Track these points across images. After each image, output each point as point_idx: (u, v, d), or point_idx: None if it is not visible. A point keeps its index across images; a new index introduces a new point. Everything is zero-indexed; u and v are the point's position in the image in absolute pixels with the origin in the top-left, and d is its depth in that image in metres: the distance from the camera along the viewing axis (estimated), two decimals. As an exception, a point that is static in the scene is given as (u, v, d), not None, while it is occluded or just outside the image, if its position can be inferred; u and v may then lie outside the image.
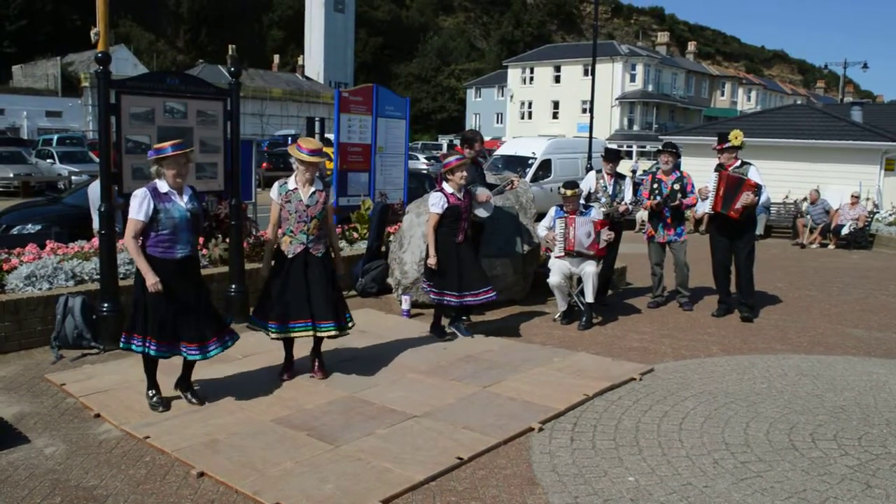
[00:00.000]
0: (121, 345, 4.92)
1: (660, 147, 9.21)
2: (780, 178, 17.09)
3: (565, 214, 7.52)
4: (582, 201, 7.92)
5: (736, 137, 7.85)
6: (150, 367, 4.98)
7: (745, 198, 7.61)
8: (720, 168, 7.94)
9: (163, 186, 4.81)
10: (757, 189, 7.62)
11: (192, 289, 4.90)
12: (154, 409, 4.89)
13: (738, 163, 7.92)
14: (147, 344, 4.79)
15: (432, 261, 6.62)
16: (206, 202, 7.27)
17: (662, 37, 66.82)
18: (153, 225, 4.73)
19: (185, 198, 4.88)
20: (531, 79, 60.92)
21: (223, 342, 5.02)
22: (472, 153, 7.63)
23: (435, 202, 6.63)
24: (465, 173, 6.70)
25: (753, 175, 7.78)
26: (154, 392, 4.99)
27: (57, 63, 52.21)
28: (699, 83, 64.68)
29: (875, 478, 4.14)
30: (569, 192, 7.51)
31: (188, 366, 5.07)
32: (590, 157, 20.45)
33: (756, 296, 8.33)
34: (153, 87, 6.67)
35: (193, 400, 5.03)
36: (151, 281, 4.68)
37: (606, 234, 7.44)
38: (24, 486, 3.92)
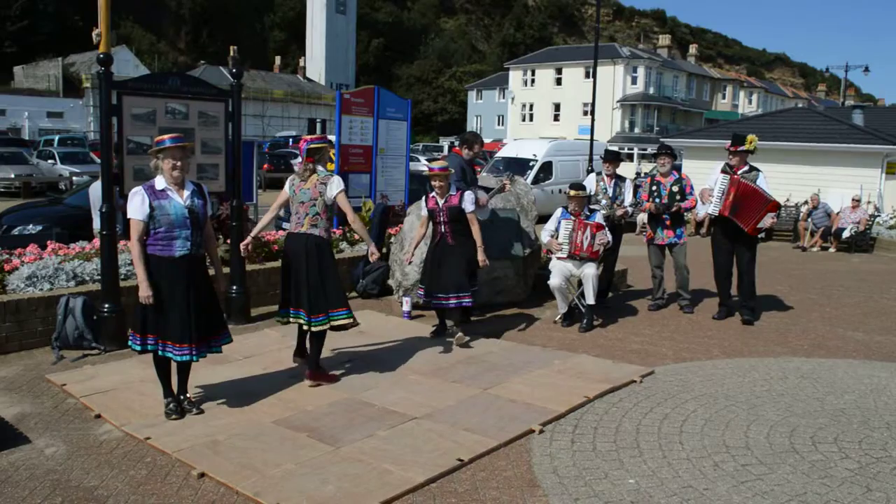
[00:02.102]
0: (129, 343, 4.87)
1: (656, 150, 9.21)
2: (781, 181, 17.04)
3: (571, 216, 7.51)
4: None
5: (751, 142, 7.84)
6: (164, 372, 4.90)
7: (768, 219, 7.65)
8: (728, 169, 7.92)
9: (160, 183, 4.74)
10: (779, 211, 7.62)
11: (194, 289, 4.80)
12: (168, 417, 4.81)
13: (747, 167, 7.91)
14: (148, 342, 4.75)
15: (405, 256, 7.19)
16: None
17: (664, 39, 66.79)
18: (150, 223, 4.69)
19: (186, 193, 4.79)
20: (532, 81, 60.92)
21: (213, 345, 4.97)
22: (470, 154, 7.67)
23: (420, 205, 7.02)
24: (439, 183, 6.73)
25: (761, 183, 7.78)
26: (170, 399, 4.91)
27: (58, 64, 52.21)
28: (700, 86, 64.65)
29: (875, 481, 4.14)
30: (572, 193, 7.53)
31: (182, 369, 4.95)
32: (591, 160, 20.46)
33: (757, 299, 8.33)
34: (154, 88, 6.69)
35: (193, 409, 4.92)
36: (144, 293, 4.64)
37: (601, 238, 7.44)
38: (24, 486, 3.92)
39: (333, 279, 5.51)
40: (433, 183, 6.84)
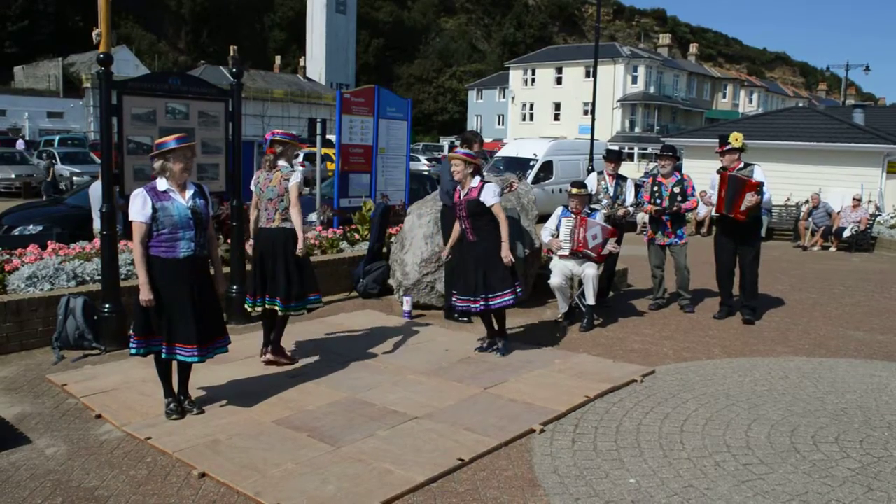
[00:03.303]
0: (132, 350, 4.79)
1: (658, 151, 9.20)
2: (781, 181, 17.07)
3: (572, 214, 7.51)
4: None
5: (736, 139, 7.83)
6: (165, 372, 4.88)
7: (749, 199, 7.61)
8: (723, 170, 7.93)
9: (162, 185, 4.69)
10: (759, 188, 7.61)
11: (198, 289, 4.77)
12: (169, 417, 4.80)
13: (742, 164, 7.91)
14: (154, 343, 4.72)
15: (443, 253, 6.93)
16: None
17: (664, 39, 66.74)
18: (153, 224, 4.63)
19: (189, 194, 4.75)
20: (533, 80, 60.92)
21: (219, 346, 4.95)
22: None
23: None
24: (455, 167, 6.39)
25: (758, 175, 7.78)
26: (170, 399, 4.90)
27: (58, 64, 52.20)
28: (701, 85, 64.64)
29: (877, 480, 4.13)
30: (574, 191, 7.53)
31: (182, 370, 4.94)
32: (591, 159, 20.46)
33: (759, 298, 8.32)
34: (155, 87, 6.68)
35: (193, 409, 4.92)
36: (145, 297, 4.59)
37: (612, 245, 7.45)
38: (25, 486, 3.92)
39: (307, 268, 5.90)
40: (452, 169, 6.49)
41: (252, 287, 5.96)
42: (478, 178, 6.37)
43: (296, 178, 5.77)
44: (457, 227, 6.56)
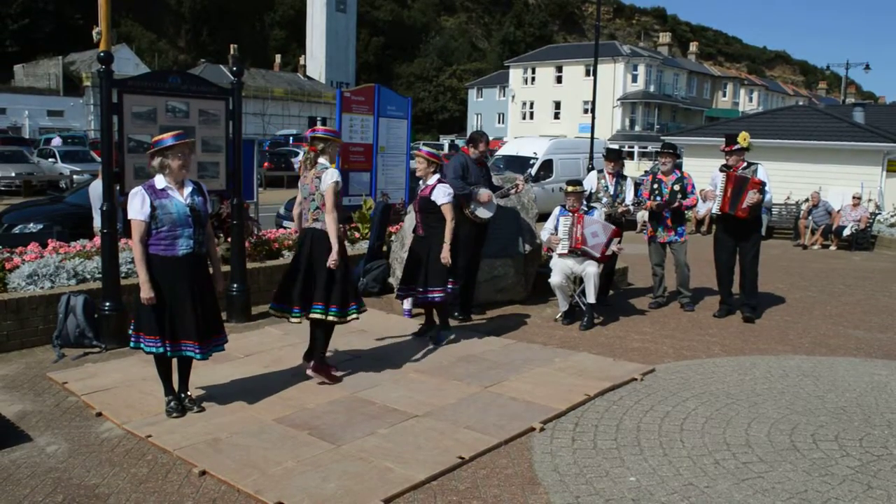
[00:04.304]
0: (130, 344, 4.82)
1: (658, 148, 9.21)
2: (781, 179, 17.04)
3: (569, 213, 7.53)
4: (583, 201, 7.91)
5: (744, 139, 7.84)
6: (165, 370, 4.87)
7: (751, 197, 7.63)
8: (726, 169, 7.94)
9: (160, 182, 4.67)
10: (761, 187, 7.63)
11: (198, 287, 4.76)
12: (169, 415, 4.79)
13: (746, 164, 7.92)
14: (158, 343, 4.70)
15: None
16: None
17: (664, 37, 66.68)
18: (152, 222, 4.61)
19: (187, 191, 4.74)
20: (533, 79, 60.88)
21: (217, 344, 4.95)
22: (476, 153, 7.68)
23: None
24: (419, 164, 6.65)
25: (761, 174, 7.80)
26: (171, 397, 4.89)
27: (59, 62, 52.14)
28: (701, 84, 64.61)
29: (876, 479, 4.14)
30: (569, 188, 7.55)
31: (183, 367, 4.93)
32: (591, 158, 20.46)
33: (759, 296, 8.33)
34: (155, 86, 6.68)
35: (193, 407, 4.92)
36: (146, 295, 4.56)
37: (616, 246, 7.47)
38: (25, 484, 3.93)
39: (340, 271, 5.40)
40: (416, 165, 6.75)
41: (282, 292, 5.54)
42: (436, 177, 6.61)
43: (330, 179, 5.33)
44: (414, 219, 6.87)
